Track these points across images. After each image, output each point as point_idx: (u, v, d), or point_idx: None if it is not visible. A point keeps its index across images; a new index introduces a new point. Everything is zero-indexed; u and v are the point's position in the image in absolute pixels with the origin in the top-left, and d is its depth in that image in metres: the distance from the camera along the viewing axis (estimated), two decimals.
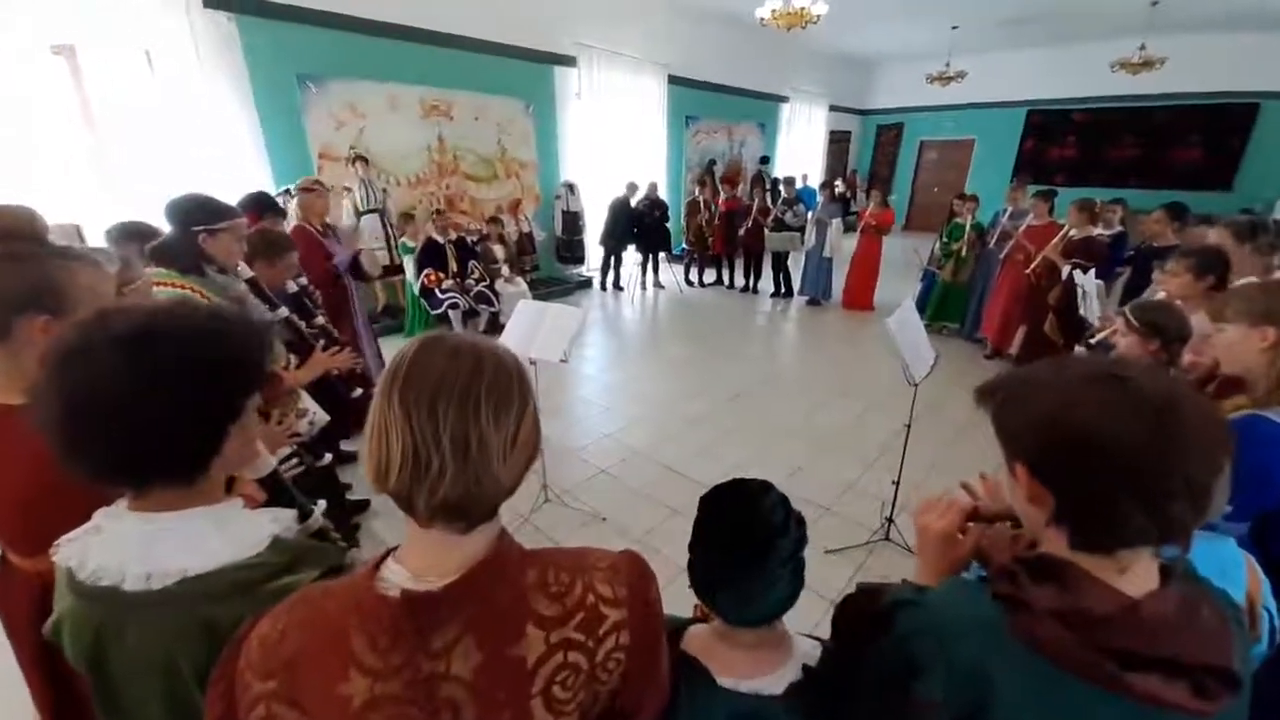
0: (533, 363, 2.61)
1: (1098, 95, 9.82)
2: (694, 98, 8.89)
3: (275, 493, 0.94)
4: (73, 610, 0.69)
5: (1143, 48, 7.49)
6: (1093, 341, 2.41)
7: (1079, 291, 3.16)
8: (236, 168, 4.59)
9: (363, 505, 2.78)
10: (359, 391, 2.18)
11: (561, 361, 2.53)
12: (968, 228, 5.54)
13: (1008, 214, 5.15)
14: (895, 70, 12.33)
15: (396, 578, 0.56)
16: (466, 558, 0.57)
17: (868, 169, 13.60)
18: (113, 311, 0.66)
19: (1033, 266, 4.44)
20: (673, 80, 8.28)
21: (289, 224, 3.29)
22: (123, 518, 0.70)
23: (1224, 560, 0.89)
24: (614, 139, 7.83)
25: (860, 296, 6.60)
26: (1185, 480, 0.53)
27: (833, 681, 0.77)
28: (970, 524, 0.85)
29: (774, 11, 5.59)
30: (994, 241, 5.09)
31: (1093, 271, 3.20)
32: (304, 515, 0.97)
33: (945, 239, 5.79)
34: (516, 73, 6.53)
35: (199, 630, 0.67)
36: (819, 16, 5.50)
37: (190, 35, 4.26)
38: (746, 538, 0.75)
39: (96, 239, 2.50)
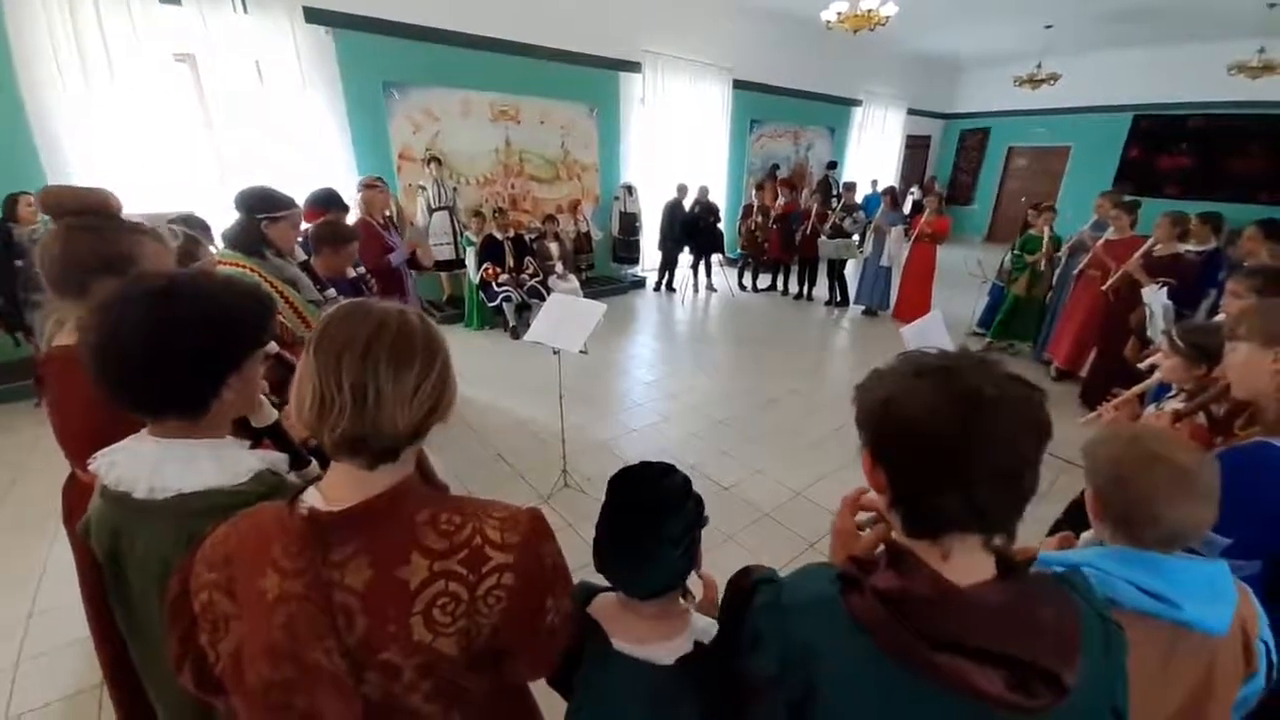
0: (556, 353, 2.75)
1: (1215, 100, 8.81)
2: (759, 101, 8.81)
3: (276, 441, 1.11)
4: (98, 510, 0.87)
5: (1262, 50, 6.67)
6: (1142, 366, 2.24)
7: (1146, 311, 2.92)
8: (327, 165, 5.09)
9: None
10: None
11: (581, 353, 2.65)
12: (1045, 240, 5.18)
13: (1090, 224, 4.77)
14: (981, 72, 11.61)
15: (311, 500, 0.68)
16: (368, 491, 0.67)
17: (948, 175, 12.88)
18: (145, 274, 0.84)
19: (1110, 283, 4.09)
20: (738, 84, 8.24)
21: (353, 217, 3.65)
22: (144, 440, 0.86)
23: (1211, 578, 0.85)
24: (675, 142, 7.90)
25: (913, 308, 6.16)
26: (989, 467, 0.54)
27: (718, 658, 0.81)
28: (880, 523, 0.88)
29: (840, 14, 5.47)
30: (1066, 254, 4.72)
31: (1164, 290, 2.94)
32: (301, 464, 1.14)
33: (1018, 250, 5.44)
34: (582, 78, 6.77)
35: (186, 540, 0.82)
36: (888, 18, 5.33)
37: (293, 47, 4.79)
38: (635, 517, 0.81)
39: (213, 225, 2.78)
